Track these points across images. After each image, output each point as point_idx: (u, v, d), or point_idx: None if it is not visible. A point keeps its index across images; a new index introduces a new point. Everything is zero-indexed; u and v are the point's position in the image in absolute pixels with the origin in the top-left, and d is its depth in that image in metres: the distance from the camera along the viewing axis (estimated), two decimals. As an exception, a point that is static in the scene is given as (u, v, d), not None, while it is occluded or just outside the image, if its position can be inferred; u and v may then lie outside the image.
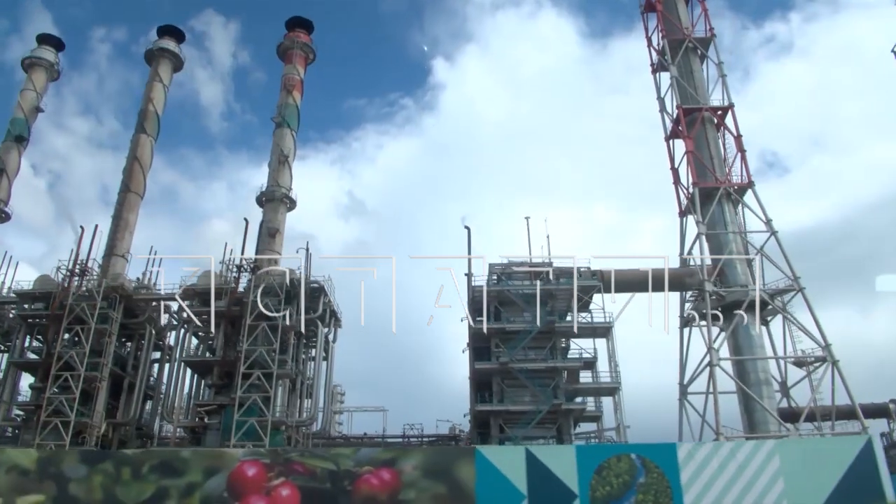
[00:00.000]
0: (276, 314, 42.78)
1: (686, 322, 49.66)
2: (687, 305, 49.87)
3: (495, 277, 45.89)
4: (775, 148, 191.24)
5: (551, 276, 45.99)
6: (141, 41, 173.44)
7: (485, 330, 41.96)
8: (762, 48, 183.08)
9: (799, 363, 45.83)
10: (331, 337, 49.83)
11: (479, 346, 44.15)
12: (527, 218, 47.13)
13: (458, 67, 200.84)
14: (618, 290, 47.83)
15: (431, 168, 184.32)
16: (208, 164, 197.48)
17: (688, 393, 47.79)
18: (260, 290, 43.86)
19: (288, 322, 43.58)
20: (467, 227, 46.94)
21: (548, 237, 46.85)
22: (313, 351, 50.15)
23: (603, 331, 45.08)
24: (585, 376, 47.50)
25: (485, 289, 44.15)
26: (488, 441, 40.71)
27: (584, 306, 47.38)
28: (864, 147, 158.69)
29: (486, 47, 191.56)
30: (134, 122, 56.08)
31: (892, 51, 36.16)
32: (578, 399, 45.41)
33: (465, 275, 46.09)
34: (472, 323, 43.15)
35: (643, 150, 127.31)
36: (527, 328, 42.15)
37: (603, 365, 46.59)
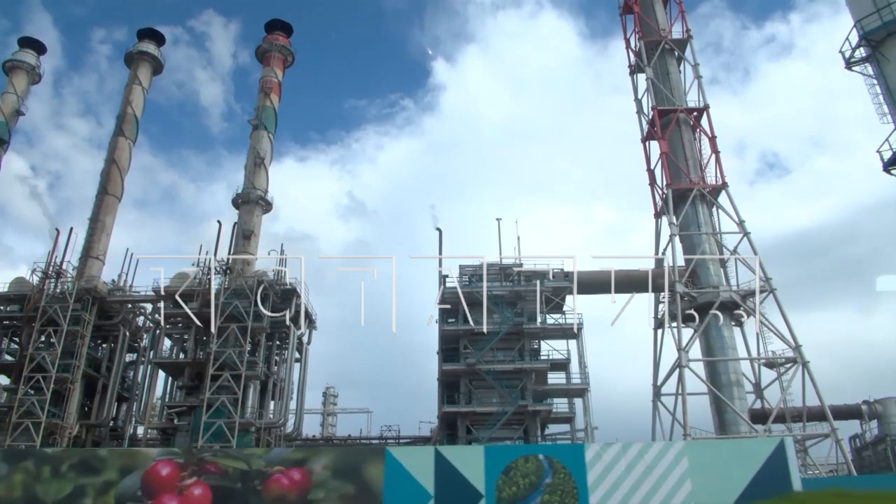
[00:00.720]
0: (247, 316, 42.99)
1: (660, 323, 49.74)
2: (660, 307, 49.90)
3: (467, 279, 46.00)
4: (776, 149, 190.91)
5: (521, 278, 46.18)
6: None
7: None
8: (763, 48, 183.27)
9: (770, 364, 45.82)
10: (305, 338, 50.12)
11: (450, 348, 44.35)
12: (498, 219, 47.32)
13: (458, 68, 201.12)
14: (590, 292, 48.06)
15: (432, 169, 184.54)
16: (208, 164, 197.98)
17: (661, 394, 47.92)
18: (230, 293, 44.19)
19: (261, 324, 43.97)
20: (439, 229, 47.22)
21: (518, 239, 47.00)
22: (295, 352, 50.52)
23: (573, 332, 45.09)
24: (559, 377, 47.67)
25: (462, 290, 44.34)
26: (455, 442, 40.84)
27: (557, 308, 47.59)
28: (865, 148, 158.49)
29: (487, 48, 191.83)
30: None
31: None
32: (549, 400, 45.57)
33: (444, 276, 46.74)
34: (437, 324, 43.40)
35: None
36: (494, 329, 42.21)
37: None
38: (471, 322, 43.20)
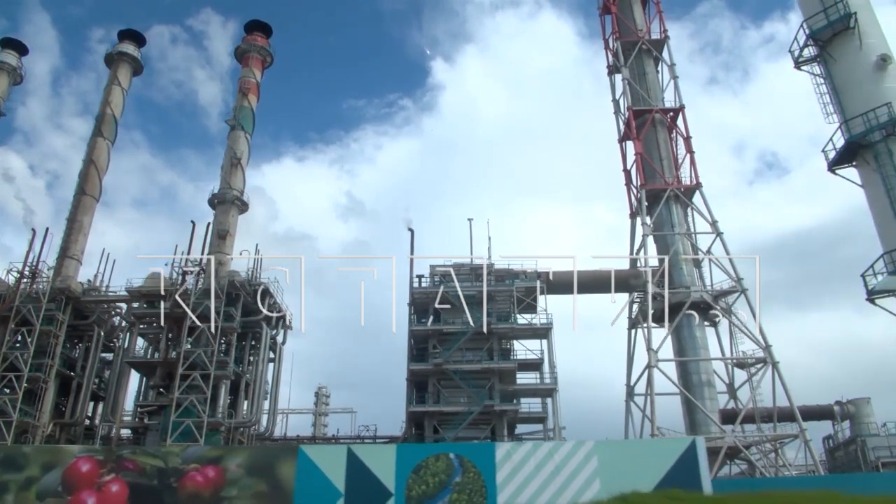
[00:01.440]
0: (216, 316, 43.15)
1: (633, 323, 49.89)
2: (634, 307, 49.99)
3: (438, 279, 46.12)
4: (775, 148, 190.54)
5: (493, 279, 46.27)
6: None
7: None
8: (762, 48, 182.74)
9: (740, 365, 45.87)
10: (279, 338, 50.31)
11: (420, 348, 44.51)
12: (469, 220, 47.40)
13: (457, 68, 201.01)
14: (562, 292, 48.25)
15: (431, 168, 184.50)
16: (207, 164, 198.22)
17: (634, 394, 48.06)
18: (201, 292, 44.37)
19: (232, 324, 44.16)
20: (411, 230, 47.38)
21: (489, 239, 47.19)
22: (269, 352, 50.72)
23: (543, 332, 45.17)
24: (533, 378, 47.81)
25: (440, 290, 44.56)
26: (423, 441, 40.95)
27: (529, 308, 47.70)
28: None
29: (486, 48, 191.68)
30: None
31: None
32: (516, 401, 45.70)
33: (419, 276, 46.93)
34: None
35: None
36: (461, 330, 42.33)
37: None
38: (440, 322, 43.47)
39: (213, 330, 43.29)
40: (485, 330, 42.54)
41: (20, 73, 61.26)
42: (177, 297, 42.50)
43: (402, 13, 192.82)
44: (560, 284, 47.91)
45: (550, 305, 46.96)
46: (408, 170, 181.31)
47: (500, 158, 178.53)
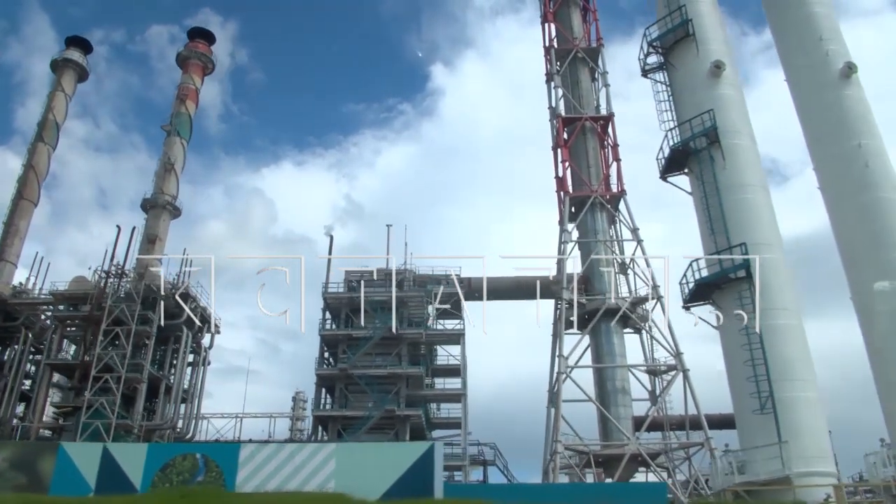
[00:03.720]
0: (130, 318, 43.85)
1: (557, 330, 50.03)
2: (556, 313, 50.14)
3: (354, 283, 46.58)
4: (774, 155, 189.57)
5: (411, 284, 46.71)
6: (136, 39, 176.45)
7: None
8: (761, 55, 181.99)
9: (652, 372, 45.92)
10: (205, 342, 50.90)
11: (333, 352, 44.99)
12: (388, 226, 47.87)
13: (457, 73, 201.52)
14: (486, 298, 48.57)
15: (430, 173, 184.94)
16: (205, 167, 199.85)
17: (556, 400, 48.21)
18: (118, 296, 45.08)
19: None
20: (330, 236, 47.94)
21: (406, 244, 47.52)
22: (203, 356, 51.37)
23: (456, 337, 45.50)
24: (457, 383, 48.34)
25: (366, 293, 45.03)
26: (328, 446, 41.37)
27: (450, 313, 48.08)
28: None
29: (486, 53, 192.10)
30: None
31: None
32: (444, 405, 46.02)
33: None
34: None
35: (642, 155, 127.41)
36: (367, 335, 42.76)
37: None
38: (351, 326, 43.93)
39: (128, 333, 43.92)
40: (394, 332, 42.92)
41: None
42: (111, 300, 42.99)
43: (401, 18, 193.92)
44: (481, 290, 48.27)
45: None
46: (406, 174, 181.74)
47: (500, 164, 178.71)
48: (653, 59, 34.03)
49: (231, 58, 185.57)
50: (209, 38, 61.08)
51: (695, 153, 31.06)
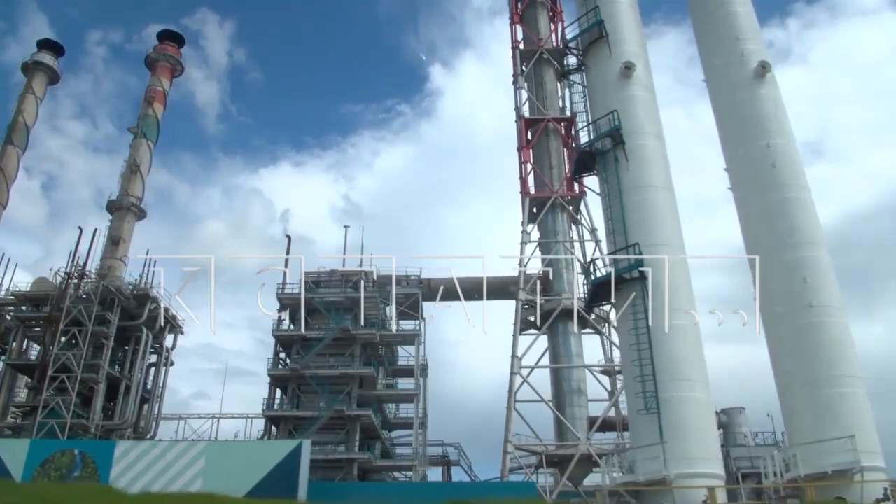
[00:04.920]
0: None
1: (519, 330, 50.18)
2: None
3: (312, 284, 46.79)
4: None
5: (370, 285, 46.92)
6: (134, 39, 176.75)
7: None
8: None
9: (605, 372, 46.13)
10: (168, 344, 51.22)
11: (290, 352, 45.20)
12: (346, 227, 48.14)
13: (455, 73, 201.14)
14: (443, 299, 48.89)
15: (429, 174, 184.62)
16: (204, 167, 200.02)
17: (516, 401, 48.39)
18: (76, 297, 45.45)
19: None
20: (288, 236, 48.23)
21: (363, 245, 47.77)
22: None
23: (411, 338, 45.73)
24: (408, 383, 48.75)
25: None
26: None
27: (407, 314, 48.35)
28: (863, 155, 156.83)
29: (485, 53, 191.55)
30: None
31: None
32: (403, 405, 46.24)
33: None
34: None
35: None
36: (320, 335, 43.02)
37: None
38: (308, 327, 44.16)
39: (86, 334, 44.27)
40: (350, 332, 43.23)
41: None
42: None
43: (398, 18, 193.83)
44: (439, 291, 48.51)
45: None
46: (405, 175, 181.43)
47: (499, 164, 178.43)
48: (573, 61, 34.16)
49: (229, 57, 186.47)
50: (178, 40, 61.47)
51: (600, 154, 31.23)
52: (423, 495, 22.39)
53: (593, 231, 48.86)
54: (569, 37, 33.21)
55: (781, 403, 28.10)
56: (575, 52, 33.31)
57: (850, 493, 23.89)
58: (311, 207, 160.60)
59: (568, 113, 54.29)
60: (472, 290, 49.07)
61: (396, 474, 45.62)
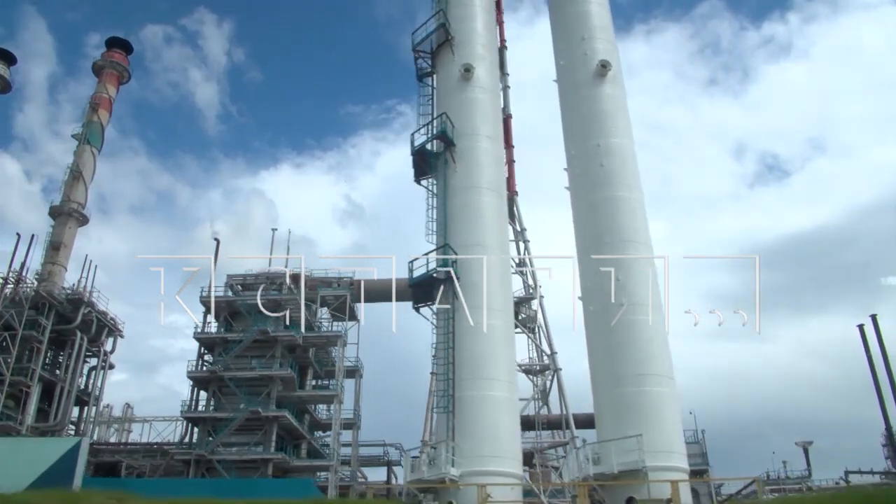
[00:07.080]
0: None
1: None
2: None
3: (239, 287, 47.39)
4: (775, 151, 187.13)
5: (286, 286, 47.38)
6: (134, 39, 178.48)
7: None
8: (761, 49, 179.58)
9: (528, 371, 46.21)
10: (107, 347, 52.03)
11: (212, 354, 45.84)
12: (273, 230, 48.67)
13: None
14: (370, 300, 49.44)
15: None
16: (204, 169, 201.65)
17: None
18: (8, 301, 46.30)
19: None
20: (216, 240, 48.86)
21: (288, 248, 48.24)
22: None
23: (334, 340, 46.14)
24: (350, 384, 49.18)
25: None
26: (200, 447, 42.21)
27: (336, 316, 48.87)
28: (865, 150, 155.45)
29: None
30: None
31: None
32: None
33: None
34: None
35: (640, 155, 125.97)
36: (239, 338, 43.57)
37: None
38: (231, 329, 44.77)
39: (19, 338, 45.18)
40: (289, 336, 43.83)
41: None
42: None
43: (397, 18, 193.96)
44: (371, 293, 48.93)
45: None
46: (406, 176, 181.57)
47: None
48: (425, 64, 34.38)
49: (228, 56, 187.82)
50: (126, 47, 62.29)
51: (432, 157, 31.45)
52: (187, 491, 23.01)
53: (522, 231, 48.94)
54: (416, 40, 33.42)
55: (593, 400, 28.19)
56: (424, 54, 33.63)
57: (642, 493, 23.92)
58: (313, 208, 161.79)
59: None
60: (402, 291, 49.57)
61: (321, 474, 46.02)
